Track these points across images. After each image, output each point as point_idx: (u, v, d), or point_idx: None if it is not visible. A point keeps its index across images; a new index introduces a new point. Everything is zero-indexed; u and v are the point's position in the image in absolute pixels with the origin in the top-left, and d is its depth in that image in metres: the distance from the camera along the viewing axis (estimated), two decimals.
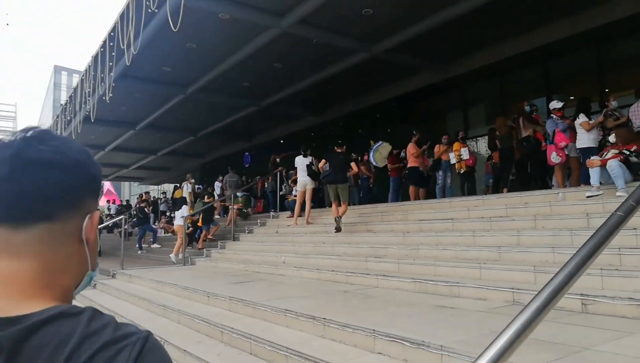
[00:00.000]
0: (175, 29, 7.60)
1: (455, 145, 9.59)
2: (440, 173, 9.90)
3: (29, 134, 0.65)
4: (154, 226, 16.43)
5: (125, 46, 9.31)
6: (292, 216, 10.47)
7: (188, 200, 12.77)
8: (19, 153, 0.63)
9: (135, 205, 18.33)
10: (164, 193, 22.45)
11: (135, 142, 20.20)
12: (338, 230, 8.23)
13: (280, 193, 12.87)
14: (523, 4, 9.09)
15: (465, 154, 9.39)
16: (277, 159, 13.53)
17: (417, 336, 3.00)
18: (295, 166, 10.26)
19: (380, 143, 11.45)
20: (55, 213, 0.64)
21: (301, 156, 10.07)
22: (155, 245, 14.33)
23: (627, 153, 5.60)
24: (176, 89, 13.87)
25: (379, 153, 11.23)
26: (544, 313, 1.18)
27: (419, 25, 9.72)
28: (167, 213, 18.10)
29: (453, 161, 9.53)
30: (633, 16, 8.77)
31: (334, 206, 8.68)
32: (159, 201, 21.07)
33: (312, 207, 10.09)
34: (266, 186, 14.17)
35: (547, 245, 4.93)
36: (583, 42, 10.04)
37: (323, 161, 9.31)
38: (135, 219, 15.81)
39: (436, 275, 5.27)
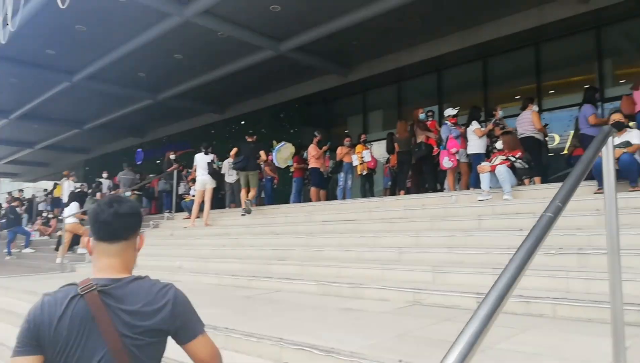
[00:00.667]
0: (63, 5, 6.72)
1: (358, 147, 9.80)
2: (342, 174, 10.04)
3: (116, 199, 1.47)
4: (27, 228, 14.61)
5: (0, 22, 8.08)
6: (190, 218, 9.92)
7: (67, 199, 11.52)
8: (116, 210, 1.44)
9: (5, 205, 16.15)
10: (45, 189, 20.13)
11: (9, 133, 17.91)
12: (248, 212, 9.04)
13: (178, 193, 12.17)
14: (420, 17, 9.57)
15: (367, 156, 9.63)
16: (173, 157, 12.78)
17: (326, 342, 2.88)
18: (195, 163, 9.74)
19: (282, 143, 11.34)
20: (129, 236, 1.48)
21: (201, 153, 9.59)
22: (27, 250, 12.73)
23: (513, 159, 6.08)
24: (61, 76, 12.49)
25: (281, 154, 11.11)
26: (493, 319, 1.10)
27: (325, 26, 9.78)
28: (45, 214, 16.24)
29: (355, 163, 9.72)
30: (517, 33, 9.67)
31: (243, 191, 9.36)
32: (35, 200, 18.84)
33: (211, 208, 9.65)
34: (160, 185, 13.29)
35: (444, 245, 5.14)
36: (473, 55, 10.86)
37: (235, 149, 9.60)
38: (4, 220, 13.91)
39: (340, 277, 5.24)
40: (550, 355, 2.55)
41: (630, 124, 6.27)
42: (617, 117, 5.35)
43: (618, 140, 5.20)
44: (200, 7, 8.89)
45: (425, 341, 2.96)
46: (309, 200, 10.48)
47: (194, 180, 10.22)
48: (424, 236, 5.56)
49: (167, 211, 12.14)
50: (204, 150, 9.59)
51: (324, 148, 10.21)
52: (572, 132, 8.80)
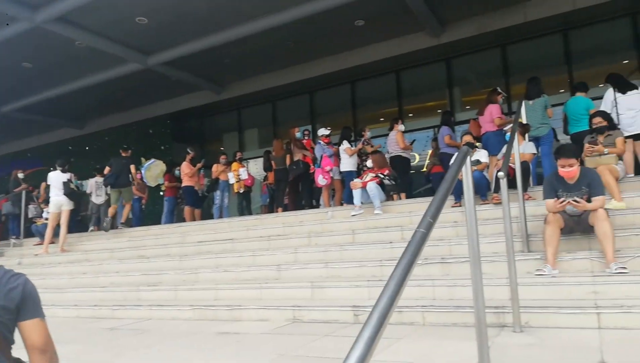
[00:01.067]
0: None
1: (234, 165, 9.63)
2: (218, 192, 9.76)
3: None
4: None
5: None
6: (42, 243, 8.77)
7: None
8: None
9: None
10: None
11: None
12: (106, 230, 9.03)
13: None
14: (293, 40, 9.86)
15: (243, 174, 9.50)
16: (21, 176, 11.24)
17: None
18: (49, 183, 8.66)
19: (152, 160, 10.68)
20: None
21: (57, 171, 8.56)
22: None
23: (382, 176, 6.48)
24: None
25: (150, 172, 10.46)
26: (381, 332, 1.10)
27: (196, 42, 9.53)
28: None
29: (232, 181, 9.53)
30: (381, 61, 10.45)
31: (111, 209, 9.25)
32: None
33: (68, 231, 8.65)
34: (5, 207, 11.55)
35: (321, 261, 5.24)
36: (343, 78, 11.47)
37: (107, 168, 9.28)
38: None
39: (217, 299, 5.03)
40: None
41: (477, 144, 7.13)
42: (468, 138, 6.04)
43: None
44: (53, 13, 8.04)
45: (305, 360, 2.95)
46: (183, 220, 9.98)
47: (46, 201, 9.10)
48: (302, 252, 5.61)
49: (14, 236, 10.60)
50: (59, 168, 8.58)
51: (198, 165, 9.84)
52: (430, 151, 9.70)
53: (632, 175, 5.60)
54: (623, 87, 5.83)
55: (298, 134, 8.93)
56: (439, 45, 9.88)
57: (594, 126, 5.18)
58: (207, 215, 10.89)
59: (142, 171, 10.44)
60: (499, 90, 7.43)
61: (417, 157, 10.69)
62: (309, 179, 8.57)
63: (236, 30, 9.05)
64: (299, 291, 4.67)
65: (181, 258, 6.53)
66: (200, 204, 10.33)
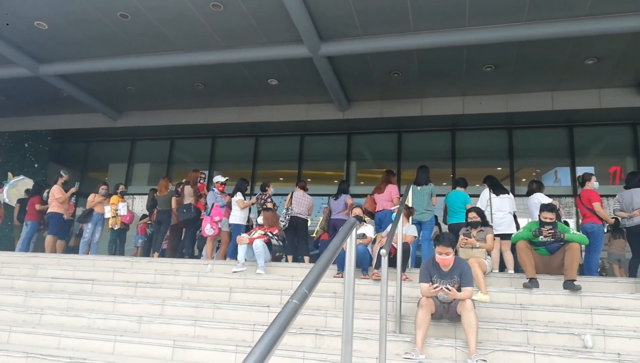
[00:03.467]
0: None
1: (113, 198, 8.82)
2: (90, 225, 8.79)
3: None
4: None
5: None
6: None
7: None
8: None
9: None
10: None
11: None
12: None
13: None
14: (201, 82, 9.73)
15: (123, 209, 8.72)
16: None
17: None
18: None
19: (21, 177, 9.47)
20: None
21: None
22: None
23: (271, 235, 6.34)
24: None
25: (16, 188, 9.22)
26: None
27: (98, 61, 8.92)
28: None
29: (108, 215, 8.66)
30: (287, 122, 10.68)
31: None
32: None
33: None
34: None
35: (190, 317, 4.85)
36: (247, 131, 11.46)
37: None
38: None
39: (59, 349, 4.35)
40: None
41: (367, 219, 7.38)
42: (357, 211, 6.21)
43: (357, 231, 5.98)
44: None
45: None
46: (42, 250, 8.78)
47: None
48: (170, 305, 5.16)
49: None
50: None
51: (72, 190, 8.82)
52: (322, 217, 9.83)
53: (497, 271, 6.11)
54: (497, 189, 6.50)
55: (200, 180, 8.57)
56: (344, 119, 10.38)
57: (469, 220, 5.62)
58: (72, 249, 9.75)
59: (6, 187, 9.16)
60: (394, 172, 7.87)
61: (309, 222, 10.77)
62: (196, 225, 8.13)
63: (147, 59, 8.68)
64: (158, 349, 4.22)
65: (27, 294, 5.65)
66: (66, 235, 9.23)
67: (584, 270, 6.51)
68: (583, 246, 5.44)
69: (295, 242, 7.59)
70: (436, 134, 10.65)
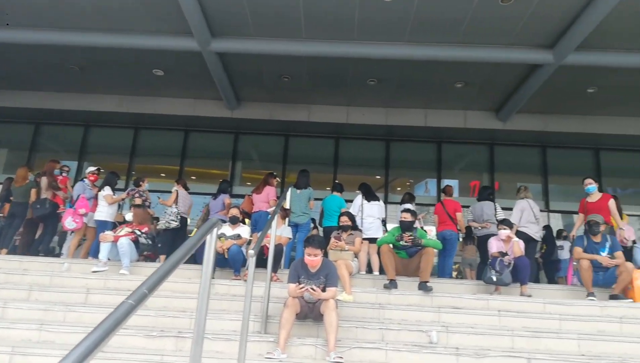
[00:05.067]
0: None
1: None
2: None
3: None
4: None
5: None
6: None
7: None
8: None
9: None
10: None
11: None
12: None
13: None
14: (79, 65, 8.94)
15: None
16: None
17: None
18: None
19: None
20: None
21: None
22: None
23: (139, 233, 5.98)
24: None
25: None
26: None
27: None
28: None
29: None
30: (172, 116, 10.23)
31: None
32: None
33: None
34: None
35: (36, 321, 4.37)
36: (127, 121, 10.75)
37: None
38: None
39: None
40: None
41: (246, 221, 7.33)
42: (234, 212, 6.10)
43: (232, 232, 5.90)
44: None
45: None
46: None
47: None
48: (13, 307, 4.60)
49: None
50: None
51: None
52: (200, 217, 9.54)
53: (364, 272, 6.44)
54: (369, 196, 6.87)
55: (56, 171, 7.73)
56: (232, 118, 10.22)
57: (340, 224, 5.87)
58: None
59: None
60: (275, 174, 7.94)
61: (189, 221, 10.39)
62: (55, 220, 7.36)
63: (18, 33, 7.70)
64: None
65: None
66: None
67: (442, 273, 7.16)
68: (437, 251, 5.94)
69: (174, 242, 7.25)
70: (321, 140, 10.95)
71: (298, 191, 6.98)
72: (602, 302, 5.30)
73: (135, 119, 10.63)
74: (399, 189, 10.85)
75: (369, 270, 6.63)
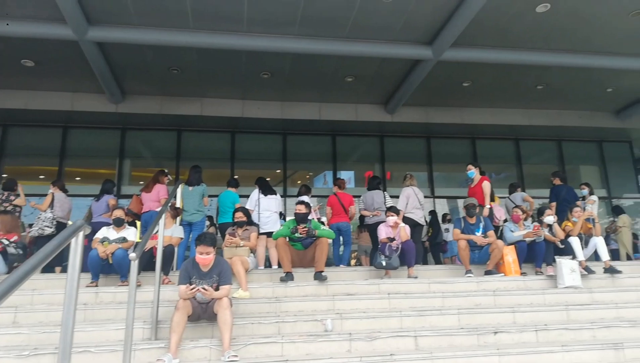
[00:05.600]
0: None
1: None
2: None
3: None
4: None
5: None
6: None
7: None
8: None
9: None
10: None
11: None
12: None
13: None
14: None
15: None
16: None
17: None
18: None
19: None
20: None
21: None
22: None
23: (7, 242, 5.35)
24: None
25: None
26: None
27: None
28: None
29: None
30: (48, 111, 9.27)
31: None
32: None
33: None
34: None
35: None
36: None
37: None
38: None
39: None
40: None
41: (138, 223, 6.90)
42: (118, 213, 5.68)
43: (116, 235, 5.52)
44: None
45: None
46: None
47: None
48: None
49: None
50: None
51: None
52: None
53: (263, 267, 6.42)
54: (265, 190, 6.83)
55: None
56: (117, 113, 9.55)
57: (235, 220, 5.77)
58: None
59: None
60: (166, 171, 7.57)
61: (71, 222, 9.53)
62: None
63: None
64: None
65: None
66: None
67: (340, 262, 7.37)
68: (332, 241, 6.11)
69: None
70: (216, 134, 10.68)
71: (190, 188, 6.73)
72: (478, 278, 5.83)
73: (4, 115, 9.49)
74: (299, 182, 10.95)
75: (270, 265, 6.62)
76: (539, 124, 10.98)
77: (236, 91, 9.63)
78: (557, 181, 8.14)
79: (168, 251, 5.24)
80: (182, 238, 5.85)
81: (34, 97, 9.23)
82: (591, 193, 8.20)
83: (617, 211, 10.26)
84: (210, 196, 7.15)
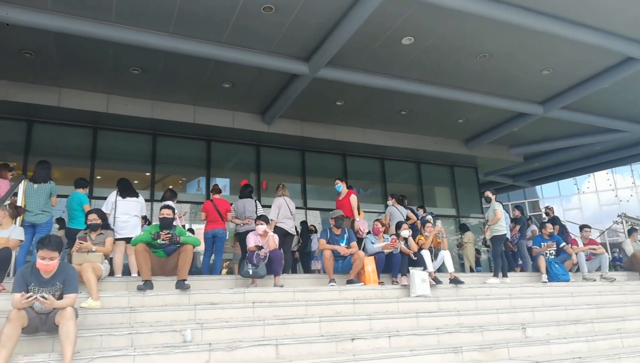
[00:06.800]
0: None
1: None
2: None
3: None
4: None
5: None
6: None
7: None
8: None
9: None
10: None
11: None
12: None
13: None
14: None
15: None
16: None
17: None
18: None
19: None
20: None
21: None
22: None
23: None
24: None
25: None
26: None
27: None
28: None
29: None
30: None
31: None
32: None
33: None
34: None
35: None
36: None
37: None
38: None
39: None
40: None
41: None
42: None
43: None
44: None
45: None
46: None
47: None
48: None
49: None
50: None
51: None
52: None
53: (120, 275, 5.91)
54: (125, 192, 6.28)
55: None
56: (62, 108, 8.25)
57: (88, 222, 5.25)
58: None
59: None
60: (11, 166, 6.64)
61: None
62: None
63: None
64: None
65: None
66: None
67: (211, 271, 7.14)
68: (200, 248, 5.90)
69: None
70: (76, 129, 9.71)
71: (35, 185, 5.94)
72: (341, 287, 6.09)
73: None
74: (170, 187, 10.41)
75: (129, 273, 6.11)
76: (401, 146, 11.97)
77: (101, 84, 8.87)
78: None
79: (3, 254, 4.57)
80: (22, 241, 5.13)
81: None
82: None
83: (463, 228, 11.57)
84: (61, 196, 6.42)
